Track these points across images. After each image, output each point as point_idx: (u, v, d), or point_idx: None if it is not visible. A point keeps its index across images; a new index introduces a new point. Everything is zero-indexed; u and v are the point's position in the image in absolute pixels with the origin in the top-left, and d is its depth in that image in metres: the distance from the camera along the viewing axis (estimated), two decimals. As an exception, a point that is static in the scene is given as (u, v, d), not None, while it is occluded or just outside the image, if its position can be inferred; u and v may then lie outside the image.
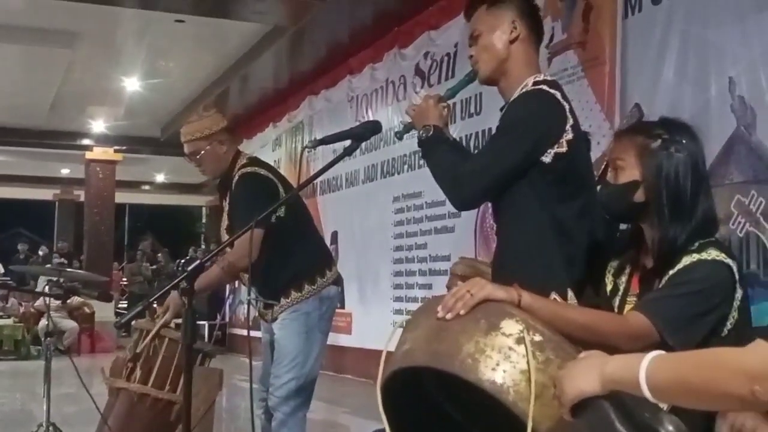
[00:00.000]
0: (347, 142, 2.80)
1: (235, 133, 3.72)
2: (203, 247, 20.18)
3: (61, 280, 5.19)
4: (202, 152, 3.83)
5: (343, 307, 10.17)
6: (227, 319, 13.92)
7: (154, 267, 17.10)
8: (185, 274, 2.34)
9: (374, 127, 2.78)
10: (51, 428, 4.07)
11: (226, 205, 3.91)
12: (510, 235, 2.46)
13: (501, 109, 2.54)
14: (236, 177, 3.78)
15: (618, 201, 2.17)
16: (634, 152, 2.13)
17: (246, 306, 12.96)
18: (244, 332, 13.38)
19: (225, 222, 3.90)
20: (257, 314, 4.02)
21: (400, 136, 2.77)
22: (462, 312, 1.89)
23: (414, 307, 8.56)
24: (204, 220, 27.31)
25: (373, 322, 9.39)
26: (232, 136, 3.99)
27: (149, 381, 3.61)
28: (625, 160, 2.14)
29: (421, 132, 2.55)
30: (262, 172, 3.86)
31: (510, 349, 1.82)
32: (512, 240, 2.44)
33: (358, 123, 9.86)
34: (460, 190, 2.41)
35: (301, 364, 3.78)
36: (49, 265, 10.73)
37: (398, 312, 8.94)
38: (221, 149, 3.86)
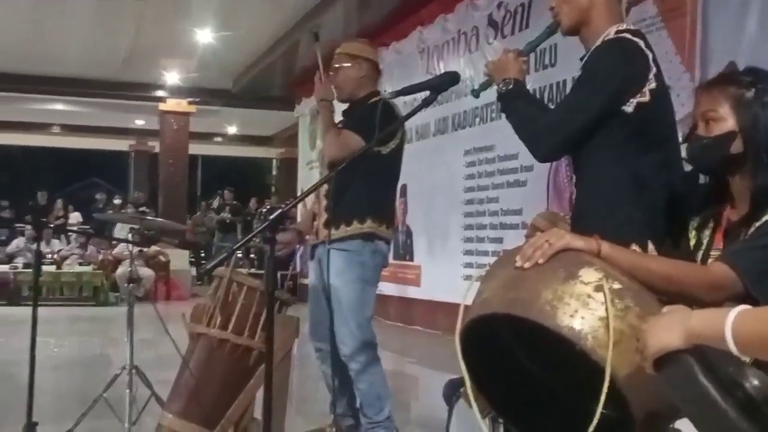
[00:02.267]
0: (424, 94, 2.81)
1: (379, 77, 3.90)
2: (273, 199, 20.41)
3: (139, 228, 5.31)
4: (343, 68, 3.99)
5: (411, 259, 10.24)
6: (298, 269, 14.11)
7: (226, 217, 17.37)
8: (268, 222, 2.38)
9: (452, 78, 2.77)
10: (134, 371, 4.21)
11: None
12: (589, 186, 2.44)
13: (581, 59, 2.51)
14: (368, 105, 3.90)
15: (713, 153, 2.13)
16: (727, 103, 2.09)
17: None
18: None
19: None
20: (314, 230, 4.11)
21: (477, 93, 2.76)
22: (540, 261, 1.91)
23: (485, 261, 8.59)
24: (274, 173, 27.61)
25: (442, 275, 9.44)
26: (375, 74, 4.10)
27: (228, 327, 3.71)
28: (718, 112, 2.10)
29: (501, 86, 2.54)
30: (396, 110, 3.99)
31: (588, 296, 1.83)
32: (592, 192, 2.43)
33: (429, 75, 9.82)
34: (540, 143, 2.41)
35: (364, 311, 3.91)
36: (130, 213, 11.03)
37: (468, 265, 8.96)
38: (358, 75, 4.01)
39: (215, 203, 17.64)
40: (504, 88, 2.53)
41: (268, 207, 15.52)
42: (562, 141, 2.39)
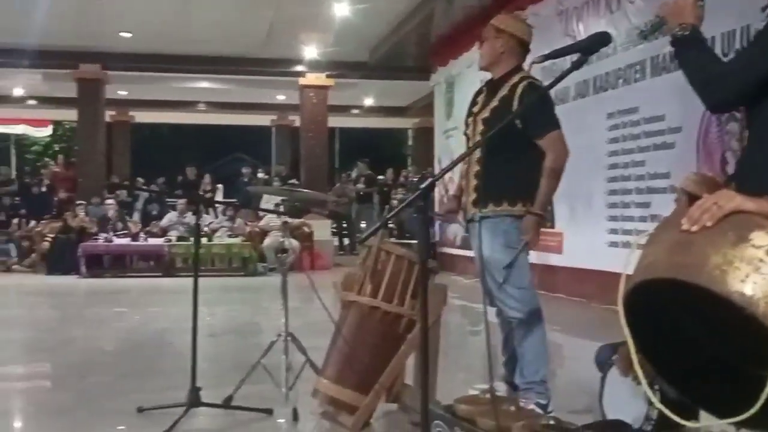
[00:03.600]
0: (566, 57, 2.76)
1: (526, 52, 3.94)
2: (410, 168, 20.51)
3: (289, 200, 5.45)
4: (488, 40, 4.08)
5: (553, 226, 10.08)
6: (438, 238, 14.17)
7: (366, 188, 17.58)
8: (420, 191, 2.40)
9: (603, 39, 2.69)
10: (289, 338, 4.34)
11: (487, 109, 3.99)
12: (763, 143, 2.33)
13: (763, 9, 2.38)
14: (524, 84, 3.91)
15: None
16: None
17: (458, 225, 13.14)
18: (454, 251, 13.60)
19: (480, 126, 3.99)
20: (462, 208, 4.14)
21: (645, 35, 2.68)
22: (708, 224, 1.84)
23: (631, 226, 8.35)
24: (410, 143, 27.74)
25: (585, 242, 9.26)
26: (520, 49, 4.12)
27: (378, 295, 3.78)
28: None
29: (677, 30, 2.44)
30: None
31: (761, 261, 1.75)
32: (765, 149, 2.31)
33: (568, 38, 9.59)
34: (715, 92, 2.31)
35: (524, 277, 3.95)
36: (280, 186, 11.34)
37: (613, 232, 8.75)
38: (501, 49, 4.06)
39: (353, 174, 17.89)
40: (680, 34, 2.42)
41: (420, 175, 15.58)
42: (738, 91, 2.28)
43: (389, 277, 3.77)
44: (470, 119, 4.15)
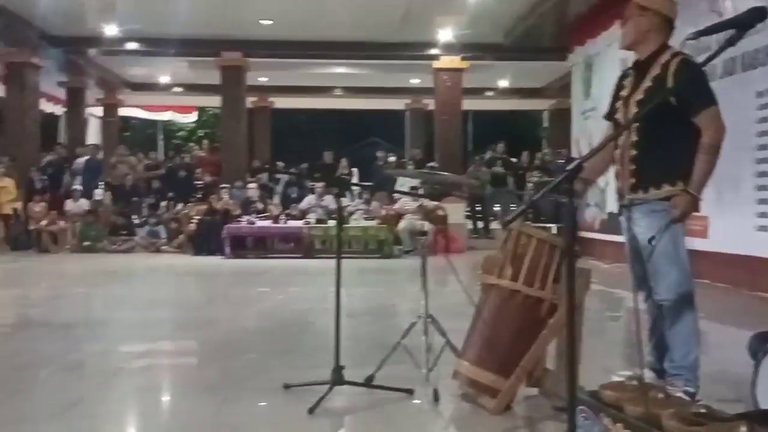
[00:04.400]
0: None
1: (671, 31, 3.84)
2: (545, 151, 20.17)
3: (427, 183, 5.47)
4: (631, 18, 3.99)
5: (698, 210, 9.71)
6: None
7: (499, 171, 17.40)
8: (567, 173, 2.37)
9: (760, 14, 2.57)
10: (429, 319, 4.38)
11: (639, 91, 3.91)
12: None
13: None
14: (678, 60, 3.81)
15: None
16: None
17: (595, 209, 12.87)
18: (591, 235, 13.32)
19: (633, 108, 3.90)
20: (617, 193, 4.04)
21: None
22: None
23: (783, 210, 7.97)
24: (545, 124, 27.29)
25: (733, 226, 8.89)
26: (665, 27, 4.00)
27: (519, 278, 3.76)
28: None
29: None
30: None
31: None
32: None
33: (714, 14, 9.20)
34: None
35: (681, 262, 3.82)
36: (421, 170, 11.39)
37: (763, 215, 8.37)
38: (645, 27, 3.95)
39: (486, 157, 17.76)
40: None
41: (565, 158, 15.33)
42: None
43: (530, 261, 3.75)
44: (619, 103, 4.04)
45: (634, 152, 3.84)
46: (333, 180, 12.21)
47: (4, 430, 3.77)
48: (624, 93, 4.01)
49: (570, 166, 2.43)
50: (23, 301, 8.84)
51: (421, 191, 12.94)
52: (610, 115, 4.10)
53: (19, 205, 14.89)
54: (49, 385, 4.82)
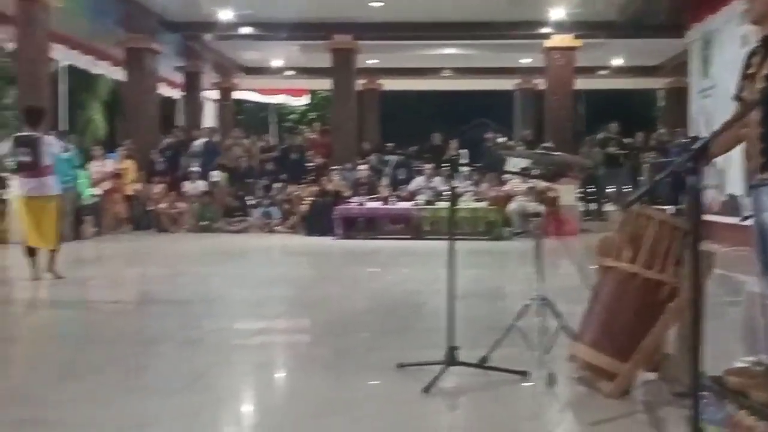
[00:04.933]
0: None
1: None
2: (661, 131, 19.59)
3: (541, 164, 5.40)
4: None
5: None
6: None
7: (613, 152, 17.00)
8: (693, 153, 2.30)
9: None
10: (544, 302, 4.34)
11: (766, 66, 3.75)
12: None
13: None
14: None
15: None
16: None
17: (714, 190, 12.43)
18: (709, 218, 12.87)
19: (760, 84, 3.74)
20: (746, 173, 3.87)
21: None
22: None
23: None
24: (661, 104, 26.51)
25: None
26: None
27: (637, 261, 3.67)
28: None
29: None
30: None
31: None
32: None
33: None
34: None
35: None
36: (534, 150, 11.26)
37: None
38: None
39: (600, 137, 17.36)
40: None
41: (690, 137, 14.87)
42: None
43: (650, 243, 3.66)
44: (745, 81, 3.87)
45: (761, 130, 3.68)
46: (442, 161, 12.19)
47: (133, 402, 3.95)
48: (751, 71, 3.84)
49: (696, 145, 2.36)
50: (145, 279, 9.20)
51: (533, 172, 12.78)
52: (738, 95, 3.94)
53: (139, 186, 15.45)
54: (171, 360, 5.02)
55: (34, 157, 8.01)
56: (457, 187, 4.71)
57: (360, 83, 21.57)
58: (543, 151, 5.30)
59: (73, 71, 18.14)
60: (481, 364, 4.25)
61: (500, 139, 17.19)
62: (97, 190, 14.21)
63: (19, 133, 8.44)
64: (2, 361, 5.12)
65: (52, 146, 8.27)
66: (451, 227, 4.44)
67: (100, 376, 4.46)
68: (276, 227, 14.75)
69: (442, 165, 14.43)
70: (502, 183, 14.32)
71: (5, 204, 11.10)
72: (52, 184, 8.20)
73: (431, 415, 3.82)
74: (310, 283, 8.89)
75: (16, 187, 8.45)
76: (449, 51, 20.21)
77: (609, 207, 16.47)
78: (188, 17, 17.43)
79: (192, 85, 21.26)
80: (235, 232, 14.57)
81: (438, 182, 14.67)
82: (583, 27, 17.26)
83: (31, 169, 8.05)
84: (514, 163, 13.20)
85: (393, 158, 16.64)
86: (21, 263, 8.33)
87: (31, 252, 8.17)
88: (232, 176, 16.06)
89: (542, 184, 13.22)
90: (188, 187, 15.49)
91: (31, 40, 13.04)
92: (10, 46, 13.89)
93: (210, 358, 4.96)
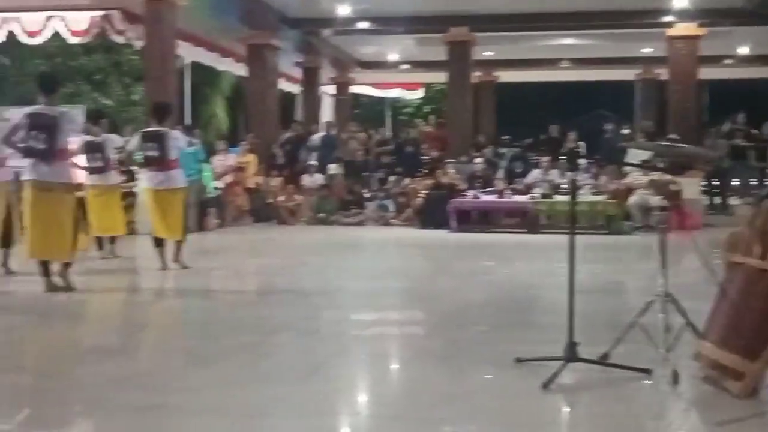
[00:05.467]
0: None
1: None
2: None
3: (665, 157, 5.25)
4: None
5: None
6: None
7: (739, 143, 16.35)
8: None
9: None
10: (668, 298, 4.22)
11: None
12: None
13: None
14: None
15: None
16: None
17: None
18: None
19: None
20: None
21: None
22: None
23: None
24: (793, 93, 25.33)
25: None
26: None
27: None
28: None
29: None
30: None
31: None
32: None
33: None
34: None
35: None
36: (644, 141, 10.97)
37: None
38: None
39: (725, 128, 16.71)
40: None
41: None
42: None
43: (781, 239, 3.52)
44: None
45: None
46: (560, 153, 12.00)
47: (254, 390, 4.06)
48: None
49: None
50: (266, 270, 9.44)
51: (656, 165, 12.38)
52: None
53: (260, 179, 15.83)
54: (291, 350, 5.14)
55: (161, 151, 8.30)
56: (576, 179, 4.63)
57: (476, 75, 21.45)
58: (668, 143, 5.15)
59: (196, 67, 18.72)
60: (602, 361, 4.18)
61: (625, 131, 16.81)
62: (220, 184, 14.66)
63: (146, 129, 8.79)
64: (130, 347, 5.36)
65: (179, 141, 8.56)
66: (572, 221, 4.36)
67: (223, 364, 4.61)
68: (391, 220, 14.85)
69: (560, 157, 14.20)
70: (622, 176, 13.97)
71: (134, 197, 11.57)
72: (179, 178, 8.49)
73: (550, 411, 3.79)
74: (425, 276, 8.92)
75: (144, 181, 8.78)
76: (567, 41, 19.87)
77: (734, 201, 15.86)
78: (307, 13, 17.75)
79: (310, 80, 21.63)
80: (351, 225, 14.75)
81: (555, 175, 14.45)
82: (707, 15, 16.66)
83: (159, 163, 8.35)
84: (635, 155, 12.86)
85: (509, 151, 16.50)
86: (149, 254, 8.67)
87: (159, 243, 8.49)
88: (348, 169, 16.26)
89: (664, 176, 12.83)
90: (306, 180, 15.78)
91: (159, 37, 13.52)
92: (139, 43, 14.43)
93: (328, 349, 5.05)
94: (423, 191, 14.85)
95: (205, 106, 25.07)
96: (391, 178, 15.70)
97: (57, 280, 7.00)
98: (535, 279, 8.32)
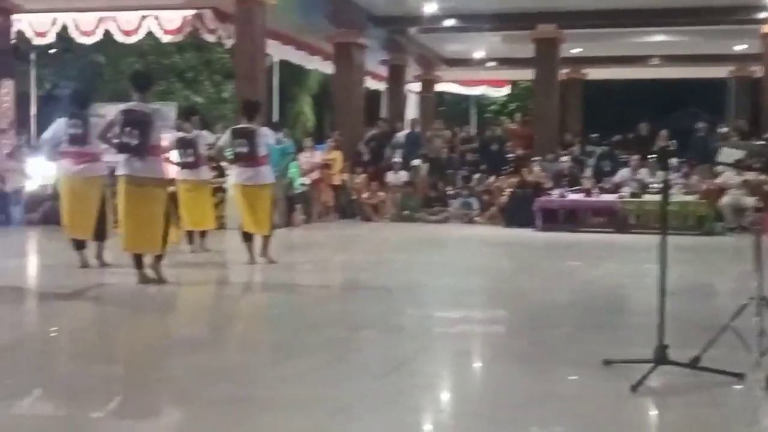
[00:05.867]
0: None
1: None
2: None
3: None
4: None
5: None
6: None
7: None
8: None
9: None
10: (763, 302, 4.10)
11: None
12: None
13: None
14: None
15: None
16: None
17: None
18: None
19: None
20: None
21: None
22: None
23: None
24: None
25: None
26: None
27: None
28: None
29: None
30: None
31: None
32: None
33: None
34: None
35: None
36: (737, 140, 10.68)
37: None
38: None
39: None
40: None
41: None
42: None
43: None
44: None
45: None
46: (650, 152, 11.74)
47: (340, 385, 4.10)
48: None
49: None
50: (351, 266, 9.52)
51: (751, 164, 12.01)
52: None
53: (345, 176, 15.96)
54: (376, 345, 5.18)
55: (250, 147, 8.44)
56: (668, 179, 4.53)
57: (563, 73, 21.17)
58: (763, 142, 5.00)
59: (284, 66, 18.99)
60: (693, 364, 4.08)
61: (723, 129, 16.36)
62: (306, 180, 14.84)
63: (236, 126, 8.96)
64: (218, 339, 5.48)
65: (267, 137, 8.70)
66: (664, 221, 4.27)
67: (309, 358, 4.66)
68: (475, 218, 14.79)
69: (650, 156, 13.90)
70: (714, 176, 13.61)
71: (223, 192, 11.81)
72: (267, 174, 8.62)
73: (640, 414, 3.72)
74: (510, 275, 8.86)
75: (234, 176, 8.94)
76: (658, 38, 19.44)
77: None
78: (394, 11, 17.81)
79: (396, 78, 21.69)
80: (434, 222, 14.75)
81: (644, 174, 14.16)
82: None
83: (248, 159, 8.49)
84: (728, 155, 12.50)
85: (597, 149, 16.24)
86: (237, 248, 8.84)
87: (247, 237, 8.65)
88: (432, 167, 16.26)
89: (758, 177, 12.45)
90: (390, 177, 15.84)
91: (249, 36, 13.77)
92: (229, 42, 14.72)
93: (412, 346, 5.07)
94: (508, 189, 14.75)
95: (292, 104, 25.39)
96: (476, 176, 15.63)
97: (149, 272, 7.19)
98: (623, 279, 8.19)
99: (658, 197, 13.03)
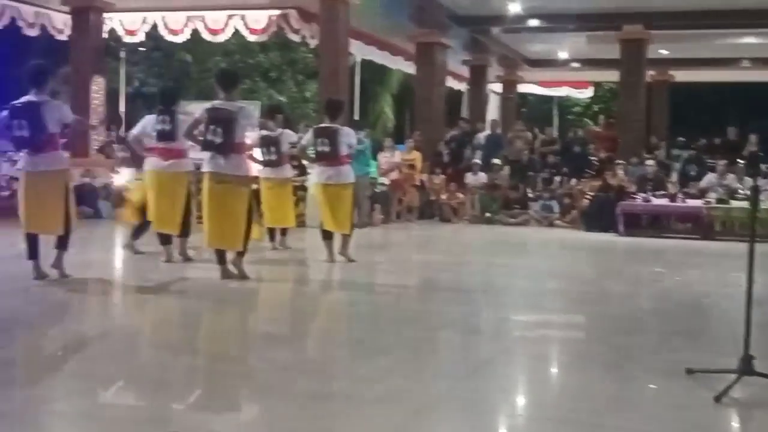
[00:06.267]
0: None
1: None
2: None
3: None
4: None
5: None
6: None
7: None
8: None
9: None
10: None
11: None
12: None
13: None
14: None
15: None
16: None
17: None
18: None
19: None
20: None
21: None
22: None
23: None
24: None
25: None
26: None
27: None
28: None
29: None
30: None
31: None
32: None
33: None
34: None
35: None
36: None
37: None
38: None
39: None
40: None
41: None
42: None
43: None
44: None
45: None
46: (738, 157, 11.42)
47: (419, 385, 4.13)
48: None
49: None
50: (430, 266, 9.52)
51: None
52: None
53: (425, 177, 15.97)
54: (455, 346, 5.19)
55: (332, 147, 8.52)
56: (757, 185, 4.40)
57: (649, 74, 20.76)
58: None
59: (365, 65, 19.11)
60: (781, 377, 3.98)
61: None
62: (386, 180, 14.90)
63: (319, 125, 9.05)
64: (298, 335, 5.56)
65: (349, 137, 8.76)
66: (753, 228, 4.17)
67: (388, 357, 4.69)
68: (555, 221, 14.62)
69: (738, 161, 13.52)
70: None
71: (305, 190, 11.95)
72: (348, 173, 8.68)
73: (723, 424, 3.65)
74: (591, 280, 8.73)
75: (315, 175, 9.03)
76: (749, 40, 18.90)
77: None
78: (477, 11, 17.74)
79: (477, 78, 21.61)
80: (514, 225, 14.64)
81: (732, 179, 13.78)
82: None
83: (329, 158, 8.57)
84: None
85: (683, 153, 15.87)
86: (317, 246, 8.94)
87: (327, 236, 8.73)
88: (513, 169, 16.13)
89: None
90: (470, 178, 15.78)
91: (333, 36, 13.90)
92: (313, 42, 14.89)
93: (492, 348, 5.06)
94: (590, 193, 14.54)
95: (373, 104, 25.55)
96: (557, 179, 15.46)
97: (231, 268, 7.33)
98: (708, 287, 8.00)
99: (746, 204, 12.72)
